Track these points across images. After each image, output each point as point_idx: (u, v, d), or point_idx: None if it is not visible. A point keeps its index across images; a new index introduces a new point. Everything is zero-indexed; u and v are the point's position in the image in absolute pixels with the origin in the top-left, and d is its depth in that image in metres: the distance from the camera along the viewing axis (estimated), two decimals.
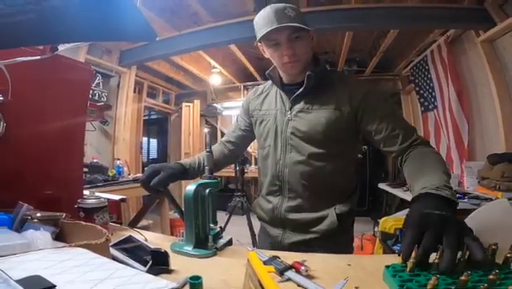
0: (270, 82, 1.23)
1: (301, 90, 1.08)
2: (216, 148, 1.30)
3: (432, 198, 0.70)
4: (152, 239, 1.00)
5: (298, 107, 1.11)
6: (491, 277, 0.53)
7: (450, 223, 0.61)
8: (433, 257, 0.61)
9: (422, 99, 4.51)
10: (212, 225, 0.97)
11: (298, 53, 1.04)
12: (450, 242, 0.58)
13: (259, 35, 1.05)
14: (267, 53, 1.11)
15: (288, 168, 1.12)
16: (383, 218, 3.26)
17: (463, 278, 0.54)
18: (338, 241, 1.11)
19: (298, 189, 1.12)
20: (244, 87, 6.53)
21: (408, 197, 3.04)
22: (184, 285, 0.62)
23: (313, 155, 1.08)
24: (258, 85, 1.32)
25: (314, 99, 1.09)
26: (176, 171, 1.10)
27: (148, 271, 0.69)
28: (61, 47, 1.17)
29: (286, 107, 1.13)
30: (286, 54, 1.04)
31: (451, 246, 0.58)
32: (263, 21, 1.02)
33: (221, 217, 1.03)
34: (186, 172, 1.17)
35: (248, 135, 1.30)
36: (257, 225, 1.37)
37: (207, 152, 1.02)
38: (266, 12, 1.02)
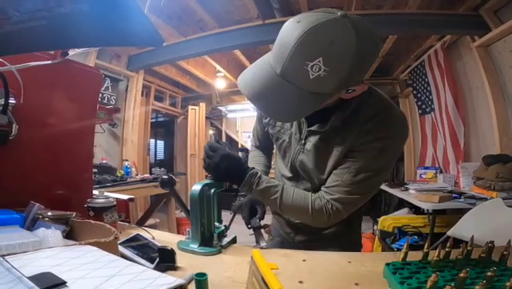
0: None
1: (320, 130, 0.90)
2: (258, 155, 1.27)
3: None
4: (159, 237, 1.02)
5: (312, 139, 0.94)
6: (489, 274, 0.54)
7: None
8: (433, 254, 0.62)
9: (420, 103, 4.53)
10: (217, 223, 0.99)
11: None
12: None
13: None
14: None
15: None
16: (382, 217, 3.31)
17: (462, 275, 0.54)
18: (348, 240, 1.09)
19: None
20: None
21: (405, 197, 3.08)
22: (190, 281, 0.63)
23: (323, 181, 0.93)
24: None
25: (331, 137, 0.90)
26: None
27: (156, 268, 0.71)
28: (71, 52, 1.20)
29: (302, 135, 0.97)
30: None
31: None
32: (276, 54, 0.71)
33: (226, 216, 1.04)
34: None
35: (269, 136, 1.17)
36: None
37: None
38: (283, 41, 0.67)
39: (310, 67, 0.63)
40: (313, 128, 0.92)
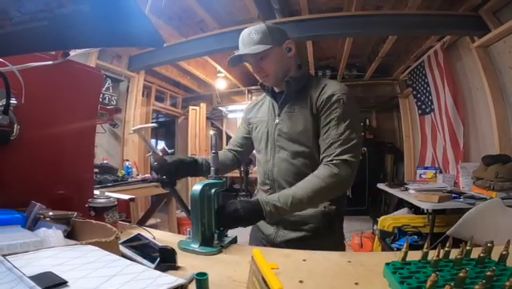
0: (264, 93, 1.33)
1: (283, 96, 1.18)
2: (221, 153, 1.41)
3: (255, 203, 0.99)
4: (160, 237, 1.02)
5: (284, 111, 1.19)
6: (488, 273, 0.54)
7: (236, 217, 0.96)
8: (432, 254, 0.62)
9: (419, 103, 4.54)
10: None
11: (266, 70, 1.15)
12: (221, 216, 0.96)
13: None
14: None
15: (276, 167, 1.19)
16: (381, 217, 3.32)
17: (461, 274, 0.55)
18: (328, 240, 1.13)
19: (285, 186, 1.14)
20: (248, 91, 6.59)
21: (405, 196, 3.09)
22: (190, 281, 0.64)
23: (297, 153, 1.14)
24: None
25: (296, 102, 1.16)
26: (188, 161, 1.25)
27: (156, 268, 0.71)
28: (72, 53, 1.21)
29: (276, 113, 1.21)
30: (255, 72, 1.19)
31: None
32: (239, 46, 1.17)
33: None
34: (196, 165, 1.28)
35: (249, 141, 1.38)
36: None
37: (213, 153, 1.05)
38: (240, 37, 1.16)
39: (250, 35, 1.12)
40: (281, 100, 1.19)
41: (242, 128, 1.41)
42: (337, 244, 1.18)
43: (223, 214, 0.96)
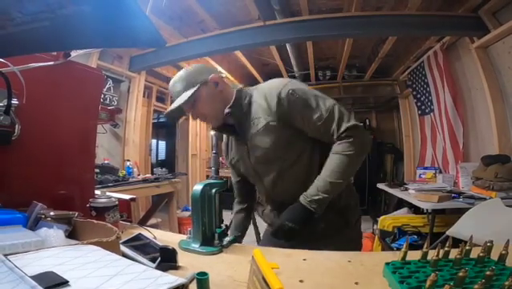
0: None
1: (236, 126, 1.14)
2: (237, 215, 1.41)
3: (299, 208, 1.03)
4: (161, 237, 1.02)
5: (247, 138, 1.13)
6: (488, 273, 0.54)
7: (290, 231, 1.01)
8: (432, 254, 0.62)
9: (419, 103, 4.54)
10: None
11: (202, 112, 1.13)
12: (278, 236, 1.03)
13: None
14: None
15: (272, 191, 1.17)
16: (381, 217, 3.33)
17: (461, 274, 0.55)
18: (346, 238, 1.14)
19: (289, 201, 1.10)
20: None
21: (405, 196, 3.10)
22: (191, 281, 0.64)
23: (282, 167, 1.11)
24: None
25: (252, 124, 1.11)
26: None
27: (157, 268, 0.71)
28: (74, 53, 1.21)
29: (243, 144, 1.17)
30: (198, 119, 1.18)
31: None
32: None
33: (227, 215, 1.06)
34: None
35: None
36: (261, 223, 1.40)
37: (213, 153, 1.05)
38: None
39: (175, 86, 1.09)
40: (239, 137, 1.16)
41: (233, 172, 1.36)
42: (352, 241, 1.18)
43: (282, 237, 1.02)
